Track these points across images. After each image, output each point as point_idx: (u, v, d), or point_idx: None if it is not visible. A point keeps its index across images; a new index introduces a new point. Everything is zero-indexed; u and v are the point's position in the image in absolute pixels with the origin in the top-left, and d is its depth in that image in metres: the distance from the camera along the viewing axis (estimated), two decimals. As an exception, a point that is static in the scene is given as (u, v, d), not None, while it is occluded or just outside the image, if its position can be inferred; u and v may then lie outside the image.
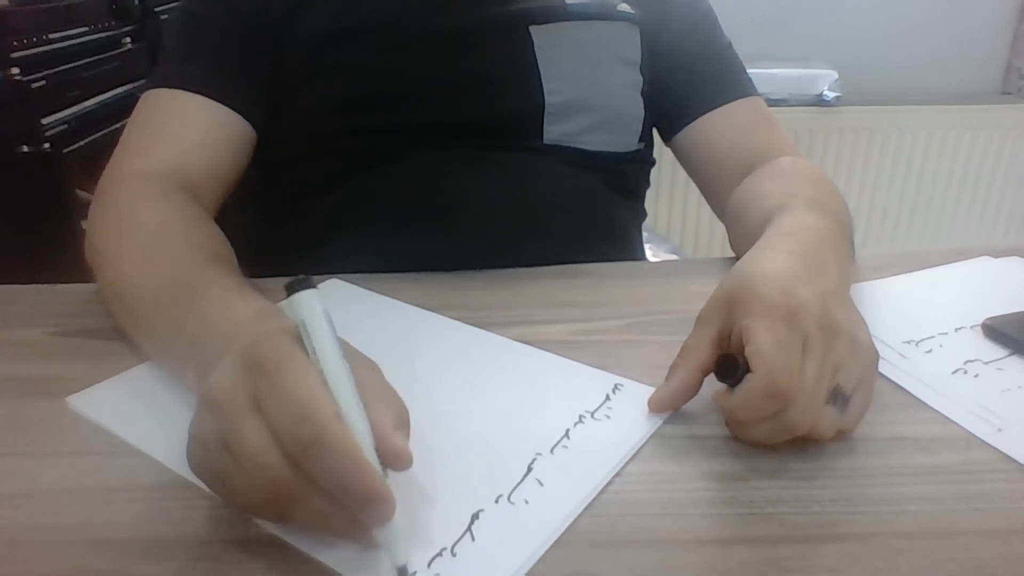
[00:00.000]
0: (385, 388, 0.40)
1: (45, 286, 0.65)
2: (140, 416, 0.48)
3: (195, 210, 0.62)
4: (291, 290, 0.38)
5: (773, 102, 1.90)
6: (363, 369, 0.39)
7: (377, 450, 0.36)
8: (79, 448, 0.46)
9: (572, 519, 0.40)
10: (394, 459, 0.36)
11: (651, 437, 0.46)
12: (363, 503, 0.34)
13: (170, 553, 0.38)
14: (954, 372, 0.53)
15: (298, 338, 0.37)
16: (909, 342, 0.57)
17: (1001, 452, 0.45)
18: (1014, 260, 0.71)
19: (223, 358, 0.37)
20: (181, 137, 0.68)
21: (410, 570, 0.36)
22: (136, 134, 0.70)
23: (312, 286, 0.38)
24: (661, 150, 0.85)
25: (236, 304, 0.46)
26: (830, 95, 1.94)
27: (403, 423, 0.38)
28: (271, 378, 0.35)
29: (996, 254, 0.71)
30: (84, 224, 0.65)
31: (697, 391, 0.48)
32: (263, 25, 0.73)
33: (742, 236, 0.66)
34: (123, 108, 0.71)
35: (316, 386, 0.35)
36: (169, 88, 0.70)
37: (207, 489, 0.39)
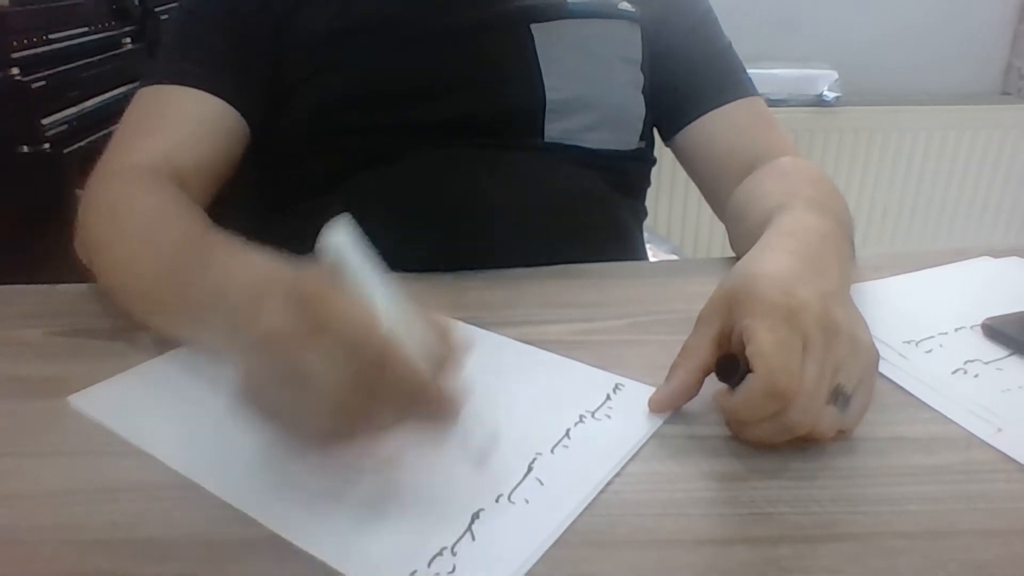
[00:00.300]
0: (431, 311, 0.41)
1: (45, 286, 0.65)
2: (141, 415, 0.48)
3: (182, 197, 0.62)
4: (328, 228, 0.39)
5: (773, 102, 1.90)
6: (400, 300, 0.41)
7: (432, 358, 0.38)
8: (79, 448, 0.46)
9: (572, 519, 0.40)
10: (452, 362, 0.39)
11: (651, 437, 0.46)
12: (431, 408, 0.37)
13: (170, 553, 0.38)
14: (954, 372, 0.53)
15: (337, 271, 0.39)
16: (909, 342, 0.57)
17: (1001, 452, 0.45)
18: (1014, 260, 0.71)
19: (263, 300, 0.38)
20: (172, 130, 0.69)
21: (484, 461, 0.40)
22: (127, 130, 0.70)
23: (347, 224, 0.39)
24: (661, 150, 0.85)
25: (245, 259, 0.48)
26: (830, 95, 1.94)
27: (454, 327, 0.41)
28: (326, 307, 0.37)
29: (996, 254, 0.71)
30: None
31: (698, 391, 0.48)
32: (263, 24, 0.73)
33: (742, 236, 0.66)
34: (123, 109, 0.72)
35: (368, 310, 0.37)
36: (163, 84, 0.70)
37: (206, 489, 0.39)
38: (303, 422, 0.38)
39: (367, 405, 0.37)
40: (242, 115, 0.71)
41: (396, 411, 0.37)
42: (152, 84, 0.71)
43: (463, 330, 0.58)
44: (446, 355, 0.39)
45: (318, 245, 0.39)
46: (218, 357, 0.48)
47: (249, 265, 0.46)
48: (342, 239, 0.39)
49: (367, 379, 0.36)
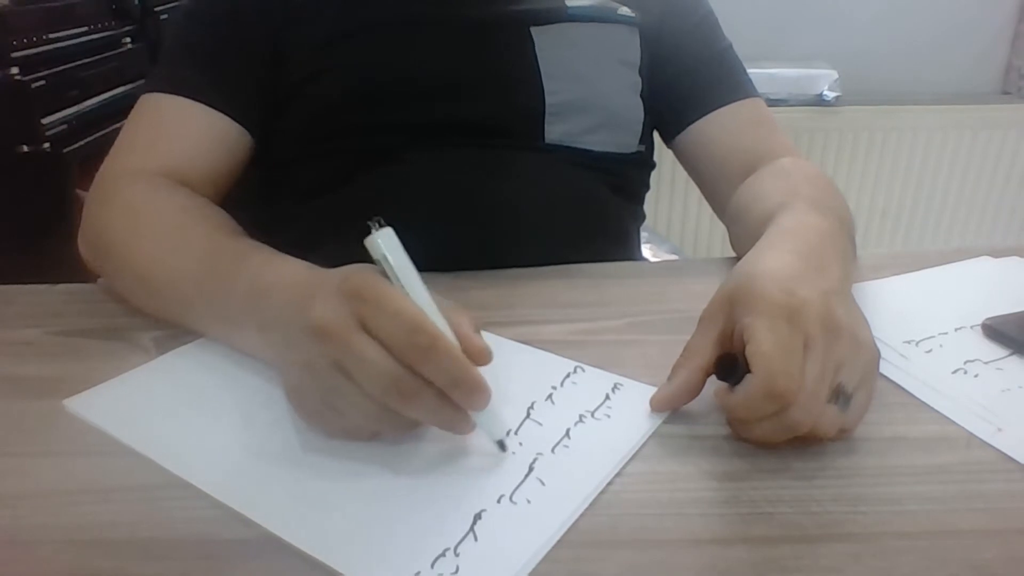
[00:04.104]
0: (451, 303, 0.44)
1: (45, 286, 0.65)
2: (138, 418, 0.48)
3: (201, 197, 0.65)
4: (370, 231, 0.42)
5: (773, 102, 1.90)
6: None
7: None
8: (79, 448, 0.46)
9: (574, 518, 0.40)
10: (479, 355, 0.42)
11: (651, 436, 0.46)
12: (470, 392, 0.41)
13: (170, 553, 0.38)
14: (954, 372, 0.53)
15: (380, 270, 0.42)
16: (909, 342, 0.57)
17: (1001, 452, 0.45)
18: (1014, 260, 0.71)
19: (314, 297, 0.42)
20: (178, 142, 0.70)
21: (506, 445, 0.44)
22: (133, 136, 0.70)
23: (387, 225, 0.43)
24: (661, 150, 0.85)
25: (283, 264, 0.52)
26: (830, 95, 1.94)
27: (477, 328, 0.44)
28: (376, 302, 0.40)
29: (996, 254, 0.71)
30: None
31: (699, 391, 0.48)
32: (264, 27, 0.73)
33: (743, 236, 0.66)
34: (123, 108, 0.72)
35: (413, 304, 0.41)
36: (166, 93, 0.71)
37: (205, 490, 0.39)
38: (351, 406, 0.41)
39: (416, 387, 0.40)
40: (244, 127, 0.72)
41: (439, 396, 0.40)
42: (155, 91, 0.71)
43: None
44: (474, 350, 0.42)
45: (366, 243, 0.42)
46: (249, 356, 0.52)
47: (291, 268, 0.50)
48: (385, 240, 0.42)
49: (420, 363, 0.39)
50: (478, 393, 0.41)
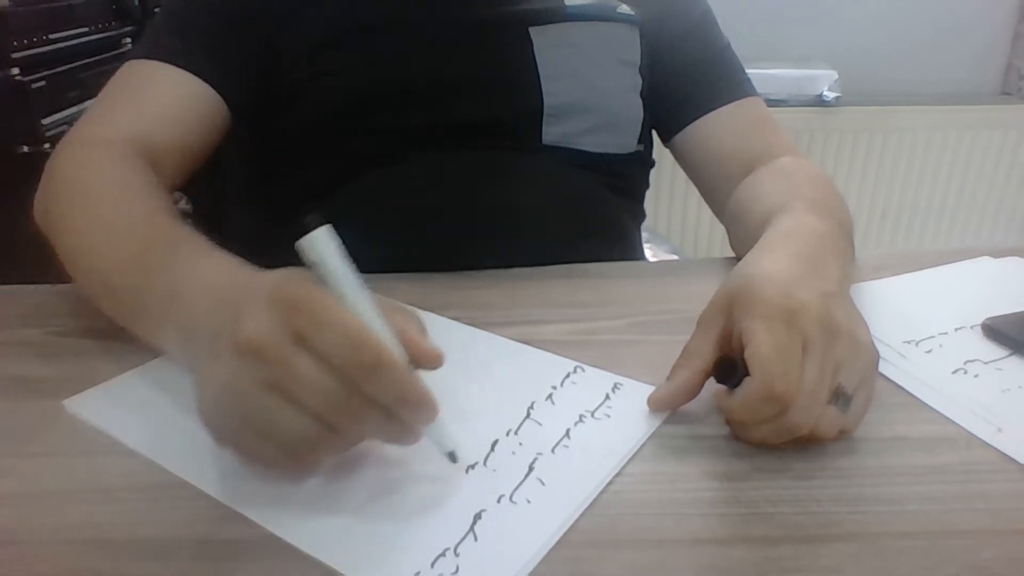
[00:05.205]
0: (392, 303, 0.42)
1: (45, 286, 0.65)
2: (137, 418, 0.48)
3: (149, 175, 0.61)
4: (304, 230, 0.39)
5: (773, 102, 1.90)
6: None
7: (410, 356, 0.40)
8: (79, 448, 0.46)
9: (574, 518, 0.40)
10: (428, 359, 0.41)
11: (651, 437, 0.46)
12: (417, 408, 0.38)
13: (170, 553, 0.38)
14: (954, 372, 0.53)
15: (313, 275, 0.39)
16: (909, 342, 0.57)
17: (1001, 452, 0.45)
18: (1014, 260, 0.71)
19: (241, 306, 0.38)
20: (148, 105, 0.68)
21: (458, 456, 0.42)
22: (103, 102, 0.69)
23: (323, 224, 0.39)
24: (661, 150, 0.85)
25: (211, 260, 0.47)
26: (830, 95, 1.94)
27: (423, 329, 0.42)
28: (313, 315, 0.37)
29: (996, 254, 0.71)
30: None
31: (698, 393, 0.48)
32: (261, 16, 0.72)
33: (742, 236, 0.66)
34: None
35: (354, 316, 0.37)
36: (144, 59, 0.69)
37: (205, 490, 0.39)
38: (284, 430, 0.37)
39: (362, 407, 0.37)
40: (223, 97, 0.70)
41: (384, 414, 0.38)
42: (134, 59, 0.70)
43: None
44: (423, 355, 0.40)
45: (297, 247, 0.38)
46: (173, 360, 0.48)
47: (216, 267, 0.46)
48: (319, 240, 0.38)
49: (364, 381, 0.36)
50: (424, 408, 0.39)
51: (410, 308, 0.42)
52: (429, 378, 0.41)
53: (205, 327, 0.41)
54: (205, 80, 0.69)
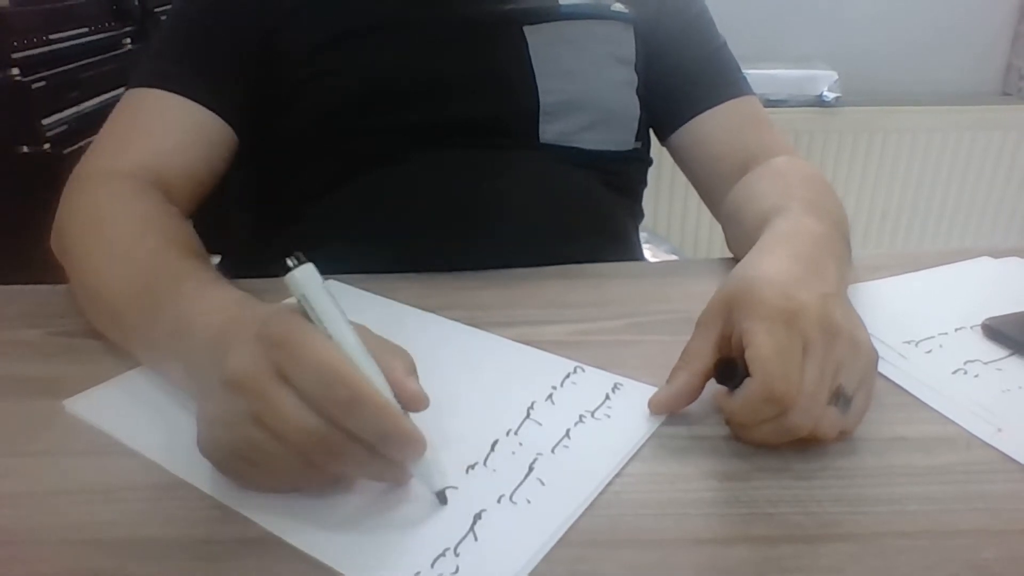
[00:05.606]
0: (384, 342, 0.41)
1: (45, 286, 0.65)
2: (137, 419, 0.48)
3: (168, 207, 0.62)
4: (289, 268, 0.39)
5: (773, 102, 1.90)
6: (359, 330, 0.41)
7: (395, 396, 0.39)
8: (79, 448, 0.46)
9: (574, 518, 0.40)
10: (413, 401, 0.39)
11: (651, 437, 0.46)
12: (401, 445, 0.38)
13: (170, 553, 0.38)
14: (954, 372, 0.53)
15: (302, 311, 0.39)
16: (909, 342, 0.57)
17: (1001, 452, 0.45)
18: (1014, 260, 0.71)
19: (231, 342, 0.39)
20: (157, 137, 0.68)
21: (446, 497, 0.40)
22: (112, 132, 0.69)
23: (307, 261, 0.39)
24: (660, 150, 0.85)
25: (213, 295, 0.48)
26: (830, 95, 1.94)
27: (412, 369, 0.41)
28: (294, 351, 0.37)
29: (996, 254, 0.72)
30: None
31: (698, 395, 0.48)
32: (257, 27, 0.72)
33: (739, 237, 0.67)
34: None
35: (337, 352, 0.37)
36: (150, 88, 0.70)
37: (205, 490, 0.39)
38: (270, 464, 0.38)
39: (340, 443, 0.37)
40: (228, 124, 0.71)
41: (367, 450, 0.37)
42: (139, 87, 0.70)
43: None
44: (406, 396, 0.39)
45: (285, 278, 0.39)
46: (175, 387, 0.49)
47: (218, 302, 0.47)
48: (306, 280, 0.39)
49: (342, 417, 0.36)
50: (410, 446, 0.38)
51: (401, 349, 0.42)
52: (429, 380, 0.41)
53: (203, 361, 0.42)
54: (209, 108, 0.70)
